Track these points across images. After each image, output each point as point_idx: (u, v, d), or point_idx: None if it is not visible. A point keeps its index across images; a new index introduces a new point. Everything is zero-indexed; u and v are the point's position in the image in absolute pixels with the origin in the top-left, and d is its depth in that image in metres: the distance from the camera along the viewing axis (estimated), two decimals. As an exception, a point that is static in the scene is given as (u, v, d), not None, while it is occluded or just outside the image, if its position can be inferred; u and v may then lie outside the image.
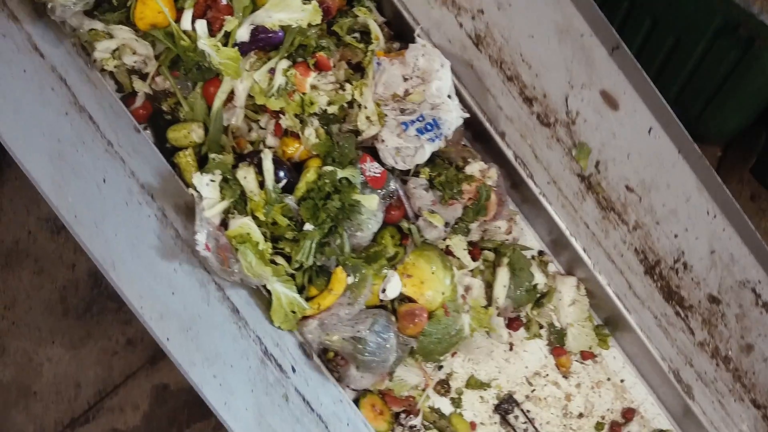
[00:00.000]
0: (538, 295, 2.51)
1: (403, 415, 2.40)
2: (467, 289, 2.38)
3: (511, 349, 2.55)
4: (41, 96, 1.95)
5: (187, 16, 2.11)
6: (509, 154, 2.36)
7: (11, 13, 2.00)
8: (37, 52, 2.02)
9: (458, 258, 2.37)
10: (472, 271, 2.42)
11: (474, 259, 2.42)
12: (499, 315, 2.46)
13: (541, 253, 2.56)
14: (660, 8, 3.21)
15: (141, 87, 2.25)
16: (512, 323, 2.53)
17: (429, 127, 2.16)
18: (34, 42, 2.02)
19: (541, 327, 2.56)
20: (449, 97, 2.18)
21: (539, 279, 2.48)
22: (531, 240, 2.55)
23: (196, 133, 2.22)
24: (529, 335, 2.55)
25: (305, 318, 2.17)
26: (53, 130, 1.93)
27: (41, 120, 1.92)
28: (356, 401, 2.34)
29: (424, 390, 2.45)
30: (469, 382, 2.51)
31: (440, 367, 2.49)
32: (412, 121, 2.17)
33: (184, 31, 2.12)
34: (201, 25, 2.11)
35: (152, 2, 2.09)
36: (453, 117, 2.18)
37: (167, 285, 1.95)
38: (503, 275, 2.42)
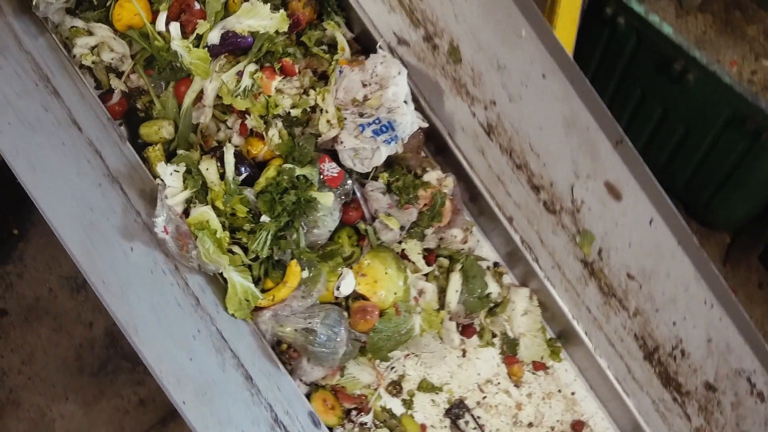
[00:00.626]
0: (492, 305, 2.55)
1: (354, 412, 2.42)
2: (420, 292, 2.43)
3: (464, 355, 2.56)
4: (77, 167, 2.06)
5: (162, 18, 2.24)
6: (516, 238, 2.44)
7: (54, 89, 2.12)
8: (76, 126, 2.13)
9: (413, 262, 2.43)
10: (426, 275, 2.47)
11: (429, 264, 2.47)
12: (451, 319, 2.49)
13: (496, 264, 2.60)
14: (671, 99, 3.30)
15: (117, 85, 2.37)
16: (466, 330, 2.55)
17: (384, 128, 2.23)
18: (74, 117, 2.14)
19: (494, 335, 2.57)
20: (405, 102, 2.26)
21: (494, 289, 2.52)
22: (487, 252, 2.59)
23: (166, 130, 2.33)
24: (482, 343, 2.56)
25: (259, 309, 2.24)
26: (87, 199, 2.02)
27: (76, 189, 2.01)
28: (308, 396, 2.36)
29: (376, 389, 2.47)
30: (422, 384, 2.52)
31: (393, 368, 2.50)
32: (369, 124, 2.24)
33: (159, 33, 2.24)
34: (174, 27, 2.23)
35: (129, 4, 2.22)
36: (408, 120, 2.24)
37: (186, 351, 2.01)
38: (456, 280, 2.46)
